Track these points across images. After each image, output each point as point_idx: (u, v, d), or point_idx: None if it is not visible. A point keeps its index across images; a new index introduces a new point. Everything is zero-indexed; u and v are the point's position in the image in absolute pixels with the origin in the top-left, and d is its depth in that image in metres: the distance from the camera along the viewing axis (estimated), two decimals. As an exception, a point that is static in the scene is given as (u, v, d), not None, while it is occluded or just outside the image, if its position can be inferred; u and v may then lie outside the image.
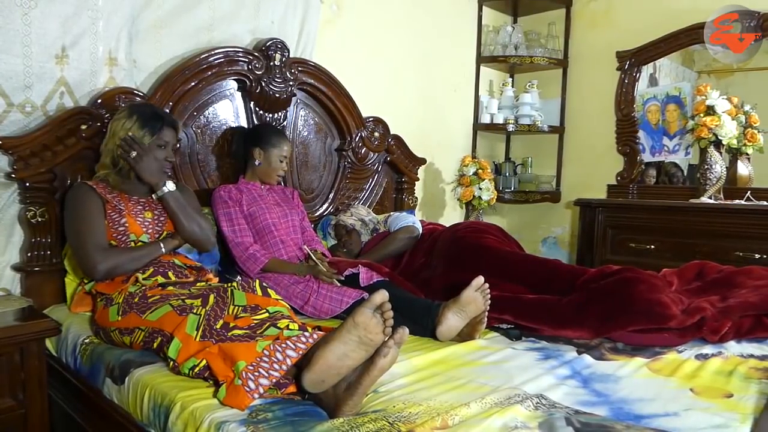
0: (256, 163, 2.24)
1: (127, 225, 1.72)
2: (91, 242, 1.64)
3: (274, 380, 1.23)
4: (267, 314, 1.38)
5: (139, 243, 1.73)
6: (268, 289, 1.49)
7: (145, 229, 1.75)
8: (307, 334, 1.29)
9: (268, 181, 2.29)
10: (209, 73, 2.25)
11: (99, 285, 1.67)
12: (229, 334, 1.32)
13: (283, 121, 2.54)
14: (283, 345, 1.26)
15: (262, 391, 1.21)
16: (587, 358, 1.57)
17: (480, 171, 3.33)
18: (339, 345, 1.18)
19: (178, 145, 1.87)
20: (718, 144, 2.91)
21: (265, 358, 1.24)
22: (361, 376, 1.18)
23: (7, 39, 1.82)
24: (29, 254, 1.88)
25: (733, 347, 1.68)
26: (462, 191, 3.35)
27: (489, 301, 1.75)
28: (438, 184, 3.64)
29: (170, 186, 1.78)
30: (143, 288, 1.59)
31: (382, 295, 1.22)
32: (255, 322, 1.35)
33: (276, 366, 1.23)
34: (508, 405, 1.22)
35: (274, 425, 1.12)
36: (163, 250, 1.74)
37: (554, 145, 3.86)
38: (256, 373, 1.22)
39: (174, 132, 1.84)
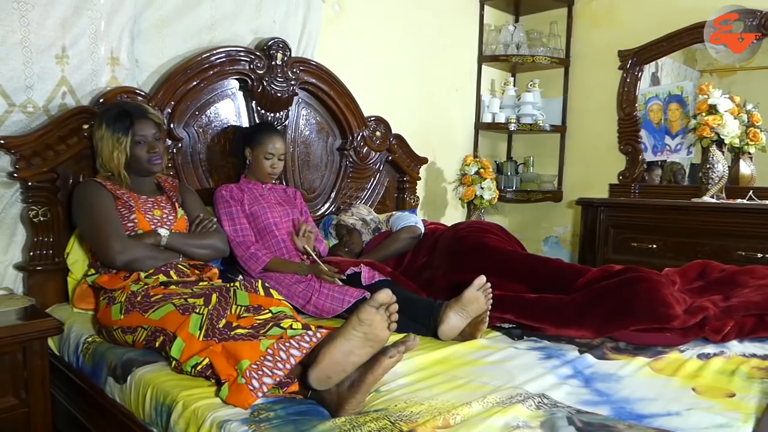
0: (247, 162, 2.25)
1: (136, 221, 1.73)
2: (110, 231, 1.65)
3: (277, 379, 1.23)
4: (270, 314, 1.38)
5: None
6: (271, 290, 1.49)
7: (153, 227, 1.75)
8: (310, 332, 1.29)
9: (262, 180, 2.29)
10: (211, 72, 2.25)
11: (100, 279, 1.67)
12: (232, 333, 1.33)
13: (285, 121, 2.54)
14: (287, 344, 1.26)
15: (265, 390, 1.21)
16: (589, 358, 1.57)
17: (482, 170, 3.33)
18: (344, 342, 1.18)
19: (158, 137, 1.81)
20: (720, 143, 2.90)
21: (269, 357, 1.24)
22: (364, 374, 1.18)
23: (6, 41, 1.82)
24: (32, 253, 1.89)
25: (735, 347, 1.68)
26: (464, 190, 3.35)
27: (491, 301, 1.75)
28: (440, 184, 3.63)
29: (164, 233, 1.74)
30: (146, 287, 1.59)
31: (386, 294, 1.22)
32: (258, 322, 1.35)
33: (280, 365, 1.23)
34: (509, 404, 1.22)
35: (276, 424, 1.12)
36: (180, 259, 1.76)
37: (556, 145, 3.86)
38: (260, 372, 1.22)
39: (150, 122, 1.79)
